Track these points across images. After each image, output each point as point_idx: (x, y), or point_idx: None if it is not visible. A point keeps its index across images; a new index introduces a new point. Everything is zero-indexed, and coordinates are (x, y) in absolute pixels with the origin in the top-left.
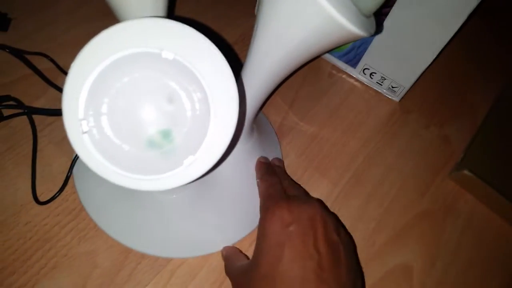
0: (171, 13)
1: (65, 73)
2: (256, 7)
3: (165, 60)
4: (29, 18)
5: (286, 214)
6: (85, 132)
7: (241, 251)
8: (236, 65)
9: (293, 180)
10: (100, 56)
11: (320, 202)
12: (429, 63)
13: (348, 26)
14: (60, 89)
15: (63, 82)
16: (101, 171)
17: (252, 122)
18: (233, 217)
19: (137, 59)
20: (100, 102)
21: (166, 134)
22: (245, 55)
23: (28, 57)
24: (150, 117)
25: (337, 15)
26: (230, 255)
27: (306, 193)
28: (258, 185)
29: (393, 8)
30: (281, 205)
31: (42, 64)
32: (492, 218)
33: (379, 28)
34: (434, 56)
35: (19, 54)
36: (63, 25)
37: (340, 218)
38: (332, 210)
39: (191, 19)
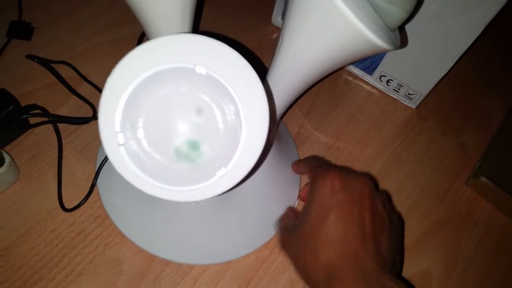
0: (197, 25)
1: (87, 80)
2: (273, 16)
3: (198, 75)
4: (51, 27)
5: (336, 181)
6: (121, 145)
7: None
8: (259, 68)
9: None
10: (135, 71)
11: (371, 178)
12: (446, 71)
13: (376, 40)
14: (82, 97)
15: (85, 89)
16: (136, 182)
17: (275, 130)
18: (254, 224)
19: (171, 73)
20: (136, 116)
21: (193, 145)
22: (264, 62)
23: (52, 65)
24: (179, 128)
25: (365, 30)
26: (283, 216)
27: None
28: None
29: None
30: (332, 173)
31: (65, 72)
32: (510, 226)
33: (404, 42)
34: (452, 64)
35: (46, 64)
36: (84, 33)
37: None
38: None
39: (219, 34)
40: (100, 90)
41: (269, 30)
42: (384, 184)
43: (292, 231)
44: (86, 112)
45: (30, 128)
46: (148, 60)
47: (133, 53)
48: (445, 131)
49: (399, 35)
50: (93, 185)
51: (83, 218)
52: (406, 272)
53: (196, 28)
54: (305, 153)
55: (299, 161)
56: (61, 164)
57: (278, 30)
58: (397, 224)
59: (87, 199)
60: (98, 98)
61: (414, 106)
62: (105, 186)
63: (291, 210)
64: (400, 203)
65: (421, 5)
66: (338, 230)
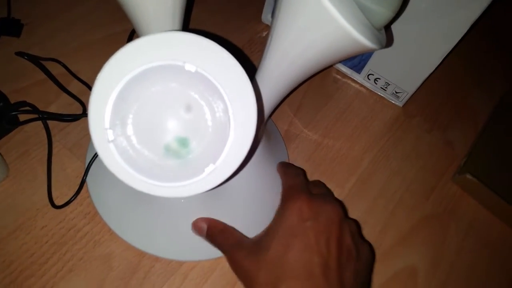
0: (186, 24)
1: (78, 78)
2: (263, 14)
3: (188, 72)
4: (42, 24)
5: (305, 208)
6: (111, 141)
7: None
8: (248, 66)
9: (318, 180)
10: (125, 68)
11: (341, 205)
12: (432, 69)
13: (362, 40)
14: (72, 95)
15: (75, 87)
16: (125, 178)
17: (263, 127)
18: (243, 220)
19: (161, 71)
20: (126, 112)
21: (183, 142)
22: (253, 59)
23: (42, 63)
24: (169, 125)
25: (352, 30)
26: (223, 229)
27: (331, 193)
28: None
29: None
30: (302, 198)
31: (55, 70)
32: (494, 222)
33: (390, 41)
34: (438, 63)
35: (36, 61)
36: (74, 31)
37: None
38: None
39: (209, 32)
40: (90, 88)
41: (259, 28)
42: (372, 180)
43: (250, 252)
44: (76, 109)
45: (19, 125)
46: (138, 57)
47: (123, 50)
48: (431, 129)
49: (385, 34)
50: (82, 182)
51: (73, 215)
52: (393, 268)
53: (186, 27)
54: (294, 150)
55: (280, 166)
56: (51, 161)
57: (268, 28)
58: (366, 257)
59: (76, 196)
60: (88, 96)
61: (401, 104)
62: (94, 183)
63: (223, 224)
64: (388, 199)
65: (407, 5)
66: (301, 260)
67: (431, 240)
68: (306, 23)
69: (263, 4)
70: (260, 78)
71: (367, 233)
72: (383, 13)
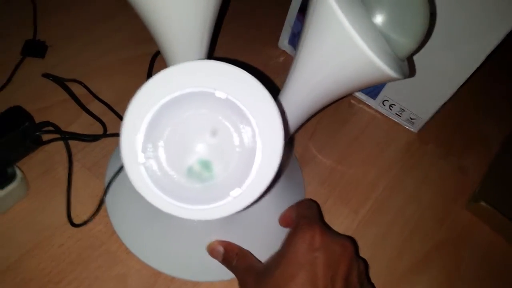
0: (212, 49)
1: (98, 98)
2: (280, 40)
3: (218, 99)
4: (65, 46)
5: (318, 237)
6: (142, 164)
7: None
8: (273, 89)
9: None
10: (158, 94)
11: (353, 243)
12: (448, 97)
13: (387, 70)
14: (93, 115)
15: (95, 107)
16: (153, 200)
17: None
18: (259, 242)
19: (192, 97)
20: (157, 136)
21: (206, 165)
22: (271, 82)
23: (65, 83)
24: (197, 149)
25: (377, 60)
26: (239, 253)
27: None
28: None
29: None
30: (314, 227)
31: (76, 90)
32: (509, 250)
33: (412, 72)
34: (454, 91)
35: (60, 82)
36: (96, 52)
37: (362, 246)
38: (354, 237)
39: (235, 59)
40: (110, 108)
41: (276, 54)
42: (387, 206)
43: (258, 277)
44: (97, 129)
45: (42, 145)
46: (170, 84)
47: (157, 77)
48: (445, 155)
49: (407, 65)
50: (101, 202)
51: (90, 233)
52: None
53: (212, 51)
54: (309, 173)
55: (290, 207)
56: (71, 180)
57: (284, 54)
58: None
59: (95, 215)
60: (108, 116)
61: (415, 130)
62: (113, 203)
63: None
64: (403, 225)
65: (429, 37)
66: None
67: (445, 267)
68: (332, 51)
69: (281, 30)
70: (283, 101)
71: (382, 258)
72: (407, 44)
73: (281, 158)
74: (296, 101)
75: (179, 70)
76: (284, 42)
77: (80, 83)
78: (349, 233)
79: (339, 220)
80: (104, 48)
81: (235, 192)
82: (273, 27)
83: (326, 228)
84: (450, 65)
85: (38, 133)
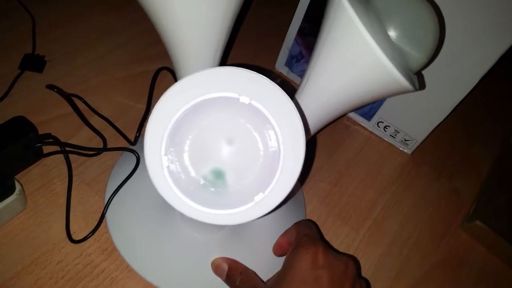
0: (225, 58)
1: (98, 114)
2: (277, 63)
3: (242, 104)
4: (64, 61)
5: (321, 255)
6: (166, 167)
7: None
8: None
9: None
10: (183, 99)
11: (355, 262)
12: (442, 119)
13: (403, 82)
14: (94, 129)
15: (95, 123)
16: (177, 205)
17: None
18: (263, 258)
19: (216, 102)
20: (181, 140)
21: (219, 174)
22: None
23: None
24: (220, 153)
25: (395, 72)
26: (243, 272)
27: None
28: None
29: None
30: (317, 245)
31: (76, 106)
32: (504, 269)
33: (422, 85)
34: (447, 113)
35: (64, 94)
36: (95, 68)
37: (363, 266)
38: (355, 256)
39: (255, 65)
40: (110, 123)
41: (272, 76)
42: (386, 225)
43: None
44: (97, 144)
45: (43, 157)
46: (192, 89)
47: (181, 82)
48: (439, 177)
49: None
50: (102, 217)
51: (90, 250)
52: None
53: (224, 62)
54: (308, 192)
55: (283, 235)
56: (71, 196)
57: (281, 76)
58: None
59: (95, 231)
60: (108, 132)
61: (409, 152)
62: (114, 219)
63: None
64: (402, 244)
65: (439, 51)
66: None
67: (443, 287)
68: (351, 60)
69: (277, 53)
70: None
71: (383, 278)
72: (419, 57)
73: (303, 162)
74: (311, 107)
75: (202, 76)
76: (281, 65)
77: (80, 98)
78: (351, 252)
79: (340, 239)
80: (104, 65)
81: (259, 197)
82: (269, 50)
83: (328, 246)
84: (444, 87)
85: (39, 144)
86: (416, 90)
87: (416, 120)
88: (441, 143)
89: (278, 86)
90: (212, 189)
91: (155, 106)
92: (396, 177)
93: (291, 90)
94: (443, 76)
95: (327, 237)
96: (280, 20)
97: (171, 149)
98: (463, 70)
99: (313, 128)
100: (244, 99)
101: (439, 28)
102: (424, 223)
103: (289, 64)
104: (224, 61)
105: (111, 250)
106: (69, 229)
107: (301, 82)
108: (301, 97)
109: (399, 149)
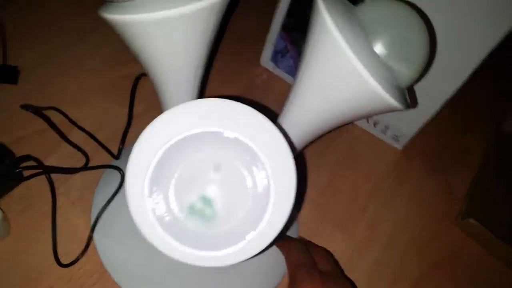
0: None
1: (78, 126)
2: (262, 58)
3: (227, 139)
4: (38, 70)
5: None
6: (150, 210)
7: None
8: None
9: (322, 248)
10: (163, 137)
11: (353, 284)
12: (432, 114)
13: (391, 101)
14: (74, 144)
15: (76, 136)
16: (165, 249)
17: None
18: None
19: (200, 137)
20: (165, 180)
21: (207, 202)
22: (256, 102)
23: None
24: (207, 190)
25: (382, 91)
26: None
27: (338, 266)
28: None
29: None
30: (314, 278)
31: (54, 118)
32: (498, 265)
33: (414, 102)
34: (437, 109)
35: (39, 112)
36: (72, 76)
37: (360, 273)
38: (350, 263)
39: (240, 97)
40: (91, 136)
41: (258, 72)
42: (379, 226)
43: None
44: (78, 159)
45: (24, 181)
46: (176, 125)
47: (161, 118)
48: (431, 172)
49: (408, 94)
50: (89, 239)
51: (80, 273)
52: None
53: (205, 81)
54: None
55: (281, 243)
56: (55, 218)
57: (267, 71)
58: None
59: (83, 253)
60: (90, 145)
61: (400, 147)
62: (102, 239)
63: None
64: (396, 245)
65: (429, 68)
66: None
67: (439, 286)
68: (335, 81)
69: (262, 47)
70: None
71: (380, 285)
72: (409, 75)
73: (294, 198)
74: (297, 128)
75: (184, 110)
76: (266, 60)
77: (58, 110)
78: (345, 259)
79: (334, 245)
80: (81, 71)
81: (250, 235)
82: (252, 44)
83: (324, 274)
84: (435, 83)
85: (19, 169)
86: (407, 108)
87: (406, 115)
88: (433, 136)
89: (266, 118)
90: (201, 223)
91: (134, 147)
92: (389, 173)
93: (270, 113)
94: (433, 70)
95: (320, 243)
96: (266, 16)
97: (155, 189)
98: (454, 65)
99: (299, 146)
100: (229, 134)
101: (430, 41)
102: (418, 221)
103: (274, 59)
104: (208, 69)
105: (102, 272)
106: (56, 252)
107: (285, 101)
108: (286, 116)
109: (391, 145)
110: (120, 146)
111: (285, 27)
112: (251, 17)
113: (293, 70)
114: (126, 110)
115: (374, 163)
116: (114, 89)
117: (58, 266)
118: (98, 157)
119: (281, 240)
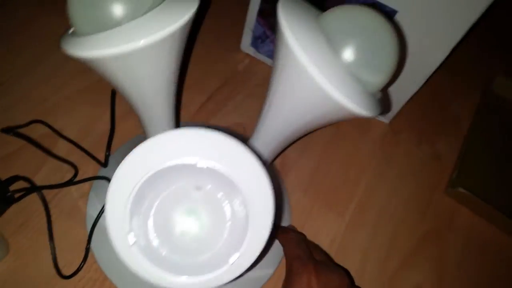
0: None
1: (63, 137)
2: (242, 43)
3: (200, 169)
4: (16, 82)
5: (314, 280)
6: (133, 244)
7: None
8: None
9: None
10: (139, 172)
11: (347, 274)
12: (418, 87)
13: (357, 109)
14: (59, 158)
15: (62, 147)
16: (153, 279)
17: None
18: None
19: (175, 169)
20: (143, 213)
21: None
22: (240, 90)
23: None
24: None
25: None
26: None
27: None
28: (279, 240)
29: None
30: (309, 270)
31: (38, 131)
32: (490, 229)
33: (387, 108)
34: (423, 81)
35: (20, 134)
36: (51, 85)
37: (352, 251)
38: (343, 243)
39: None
40: (77, 146)
41: (239, 57)
42: (370, 204)
43: None
44: (67, 171)
45: (15, 202)
46: (150, 158)
47: (136, 151)
48: (419, 143)
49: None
50: (87, 249)
51: (82, 283)
52: None
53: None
54: (291, 183)
55: (280, 235)
56: (52, 232)
57: (248, 57)
58: None
59: (84, 262)
60: (77, 155)
61: (387, 121)
62: (100, 247)
63: None
64: (387, 221)
65: (401, 70)
66: None
67: (432, 256)
68: (301, 95)
69: (241, 34)
70: (257, 140)
71: (373, 259)
72: (377, 82)
73: (273, 221)
74: (270, 147)
75: (159, 142)
76: (246, 45)
77: (41, 122)
78: (338, 240)
79: (327, 227)
80: (59, 79)
81: (234, 257)
82: (232, 30)
83: (319, 263)
84: (420, 55)
85: (9, 193)
86: (377, 114)
87: (392, 89)
88: (420, 105)
89: (241, 144)
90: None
91: (110, 185)
92: (376, 149)
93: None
94: (416, 45)
95: (313, 228)
96: (243, 1)
97: (134, 222)
98: (438, 37)
99: (272, 157)
100: (202, 164)
101: (399, 48)
102: (408, 193)
103: (254, 45)
104: (187, 56)
105: (103, 279)
106: (57, 265)
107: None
108: (259, 131)
109: (377, 120)
110: (107, 153)
111: (261, 13)
112: (229, 2)
113: None
114: (109, 112)
115: (361, 140)
116: (94, 92)
117: (60, 278)
118: (86, 165)
119: (279, 232)
